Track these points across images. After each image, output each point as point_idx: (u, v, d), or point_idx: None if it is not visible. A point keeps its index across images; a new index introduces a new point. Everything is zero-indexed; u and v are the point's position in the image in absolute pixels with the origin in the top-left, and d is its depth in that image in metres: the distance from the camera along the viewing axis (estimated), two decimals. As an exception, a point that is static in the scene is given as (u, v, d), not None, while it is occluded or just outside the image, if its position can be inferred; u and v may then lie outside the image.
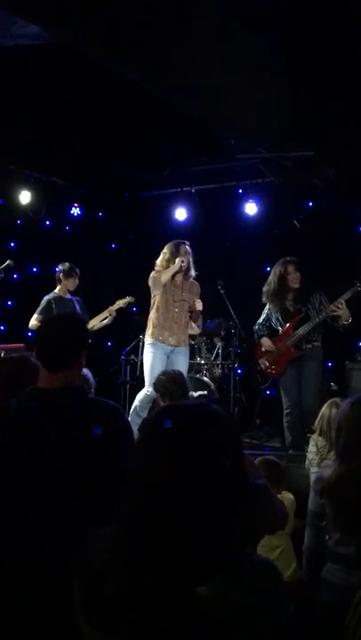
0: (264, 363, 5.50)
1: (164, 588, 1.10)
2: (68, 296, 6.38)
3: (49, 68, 5.51)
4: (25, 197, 7.41)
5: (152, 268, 5.61)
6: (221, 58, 4.84)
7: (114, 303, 6.48)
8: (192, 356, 7.20)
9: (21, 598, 1.78)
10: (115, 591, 1.13)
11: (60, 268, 6.38)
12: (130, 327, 7.16)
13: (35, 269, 8.54)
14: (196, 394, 5.97)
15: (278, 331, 5.46)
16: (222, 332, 7.01)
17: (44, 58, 5.26)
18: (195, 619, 1.07)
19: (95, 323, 6.36)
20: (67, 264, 6.37)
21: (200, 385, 6.30)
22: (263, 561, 1.26)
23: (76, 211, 8.17)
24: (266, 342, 5.44)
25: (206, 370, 6.76)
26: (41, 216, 7.71)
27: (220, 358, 6.93)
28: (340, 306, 5.10)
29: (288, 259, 5.42)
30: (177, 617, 1.08)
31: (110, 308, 6.44)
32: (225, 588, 1.11)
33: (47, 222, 8.17)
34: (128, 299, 6.53)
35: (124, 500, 1.23)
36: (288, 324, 5.38)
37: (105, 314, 6.42)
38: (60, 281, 6.34)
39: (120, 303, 6.48)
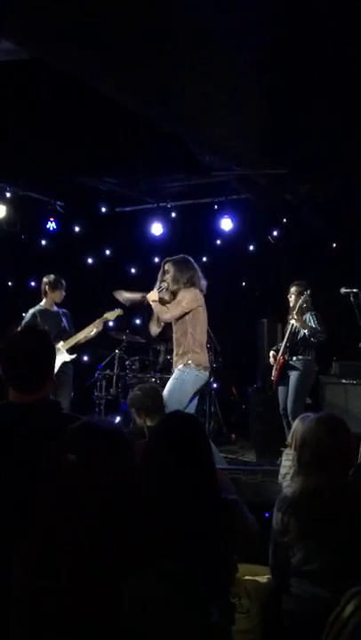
0: (273, 372, 6.05)
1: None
2: (55, 309, 6.19)
3: (25, 82, 5.52)
4: (0, 211, 7.37)
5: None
6: (198, 75, 4.88)
7: (102, 315, 6.24)
8: (167, 371, 7.21)
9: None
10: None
11: (45, 280, 6.17)
12: (106, 342, 7.14)
13: (9, 283, 8.50)
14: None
15: None
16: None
17: (21, 73, 5.26)
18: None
19: (82, 336, 6.11)
20: (52, 276, 6.19)
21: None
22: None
23: (51, 225, 8.16)
24: (270, 354, 6.09)
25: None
26: (16, 230, 7.66)
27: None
28: (294, 316, 5.75)
29: (297, 282, 6.02)
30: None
31: (98, 320, 6.17)
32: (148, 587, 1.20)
33: (22, 236, 8.14)
34: (117, 311, 6.29)
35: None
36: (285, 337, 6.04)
37: (92, 327, 6.17)
38: (45, 293, 6.13)
39: (108, 316, 6.28)
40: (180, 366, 4.84)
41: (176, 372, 4.87)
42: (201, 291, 5.00)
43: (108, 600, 1.19)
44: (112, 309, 6.29)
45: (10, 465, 1.84)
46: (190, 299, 4.87)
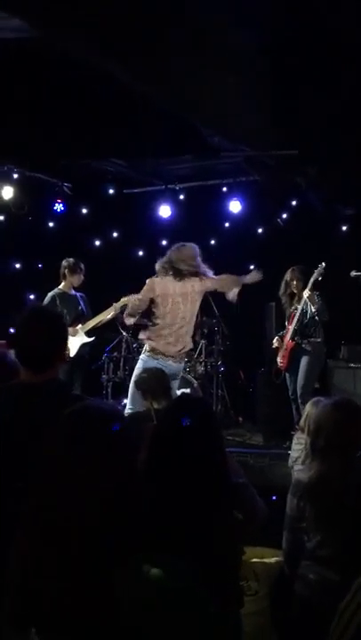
0: (278, 359, 5.97)
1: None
2: (73, 292, 6.26)
3: (33, 62, 5.45)
4: (7, 193, 7.33)
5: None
6: (206, 57, 4.84)
7: (118, 300, 6.11)
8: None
9: None
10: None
11: (64, 263, 6.23)
12: (113, 325, 7.12)
13: (17, 265, 8.48)
14: (179, 391, 5.96)
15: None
16: (205, 330, 7.01)
17: (28, 52, 5.20)
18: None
19: (100, 319, 6.11)
20: (71, 260, 6.24)
21: (183, 383, 6.29)
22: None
23: (59, 206, 8.11)
24: (274, 340, 6.03)
25: (190, 367, 6.76)
26: (24, 212, 7.63)
27: (202, 356, 6.93)
28: (307, 292, 5.58)
29: (293, 267, 5.89)
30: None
31: (115, 304, 6.11)
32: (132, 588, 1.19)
33: (29, 218, 8.10)
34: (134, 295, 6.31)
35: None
36: (288, 322, 5.90)
37: (109, 310, 6.13)
38: (64, 277, 6.21)
39: (125, 300, 6.30)
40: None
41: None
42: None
43: (108, 600, 1.18)
44: (126, 294, 6.26)
45: (14, 453, 1.83)
46: None
